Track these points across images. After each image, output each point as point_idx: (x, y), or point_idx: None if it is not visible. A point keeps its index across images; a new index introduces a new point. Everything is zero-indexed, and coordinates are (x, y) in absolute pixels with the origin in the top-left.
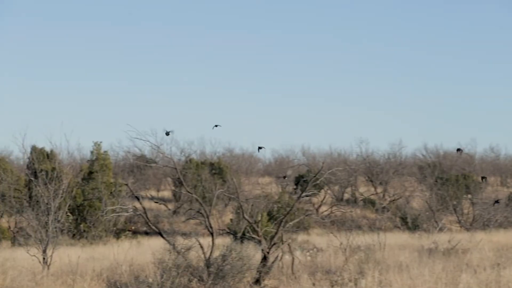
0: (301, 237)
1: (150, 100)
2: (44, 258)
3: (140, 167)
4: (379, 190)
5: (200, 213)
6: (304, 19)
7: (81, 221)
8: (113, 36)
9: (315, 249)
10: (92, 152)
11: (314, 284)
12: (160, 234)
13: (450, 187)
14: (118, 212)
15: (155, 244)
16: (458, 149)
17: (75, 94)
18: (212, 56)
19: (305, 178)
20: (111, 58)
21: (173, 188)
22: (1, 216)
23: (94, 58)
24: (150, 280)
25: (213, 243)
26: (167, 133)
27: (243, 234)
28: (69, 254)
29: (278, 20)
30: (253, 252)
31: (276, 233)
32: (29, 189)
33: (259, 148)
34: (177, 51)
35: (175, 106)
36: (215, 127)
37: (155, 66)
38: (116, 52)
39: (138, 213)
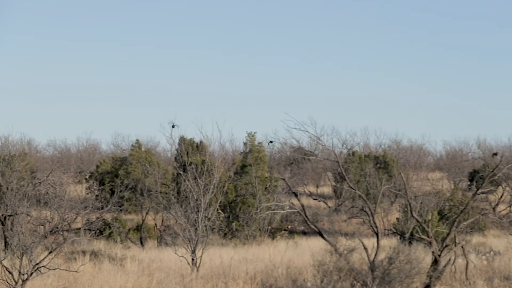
0: (476, 238)
1: (309, 88)
2: (193, 259)
3: (298, 160)
4: None
5: (364, 211)
6: None
7: (233, 219)
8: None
9: (492, 253)
10: (245, 144)
11: None
12: (319, 234)
13: None
14: (273, 210)
15: (314, 245)
16: (495, 153)
17: (226, 81)
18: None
19: (481, 174)
20: (272, 44)
21: (333, 183)
22: (147, 213)
23: (253, 45)
24: (309, 284)
25: (378, 244)
26: (173, 126)
27: (411, 234)
28: (220, 255)
29: None
30: (422, 255)
31: (448, 234)
32: (177, 183)
33: (270, 142)
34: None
35: (335, 94)
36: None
37: (318, 54)
38: (278, 37)
39: (295, 210)
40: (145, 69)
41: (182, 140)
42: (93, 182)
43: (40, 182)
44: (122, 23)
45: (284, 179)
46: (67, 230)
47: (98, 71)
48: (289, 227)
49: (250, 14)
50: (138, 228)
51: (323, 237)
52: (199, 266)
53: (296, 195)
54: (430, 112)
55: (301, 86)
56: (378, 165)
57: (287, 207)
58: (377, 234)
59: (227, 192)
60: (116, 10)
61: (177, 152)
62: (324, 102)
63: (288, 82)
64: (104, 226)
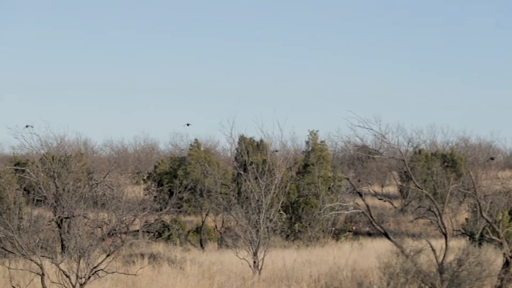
0: None
1: (373, 85)
2: (254, 262)
3: (362, 159)
4: None
5: (431, 211)
6: None
7: (296, 220)
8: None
9: None
10: (307, 143)
11: None
12: (385, 235)
13: None
14: (337, 210)
15: (380, 246)
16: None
17: (287, 78)
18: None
19: None
20: (334, 39)
21: (399, 183)
22: (207, 215)
23: (315, 40)
24: (375, 287)
25: (446, 245)
26: (188, 124)
27: (481, 235)
28: (283, 257)
29: None
30: (493, 256)
31: None
32: (237, 184)
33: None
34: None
35: (400, 90)
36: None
37: (382, 50)
38: (341, 33)
39: (360, 211)
40: (204, 67)
41: (242, 139)
42: (151, 183)
43: (97, 183)
44: (181, 18)
45: (348, 179)
46: (125, 233)
47: (155, 70)
48: (354, 228)
49: (313, 9)
50: (197, 230)
51: (389, 238)
52: (261, 268)
53: (360, 195)
54: (500, 109)
55: (365, 83)
56: (446, 163)
57: (352, 208)
58: (445, 235)
59: (289, 192)
60: (179, 5)
61: (237, 151)
62: (389, 99)
63: (352, 78)
64: (163, 228)
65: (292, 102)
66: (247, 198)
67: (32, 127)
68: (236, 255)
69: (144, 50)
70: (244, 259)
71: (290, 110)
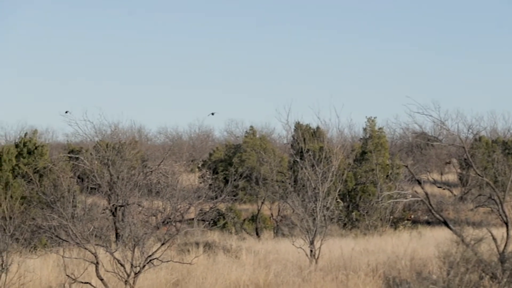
0: None
1: (432, 70)
2: (311, 251)
3: (421, 146)
4: None
5: (492, 199)
6: None
7: (353, 208)
8: None
9: None
10: (365, 130)
11: None
12: (445, 223)
13: None
14: (395, 198)
15: (439, 235)
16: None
17: (344, 64)
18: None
19: None
20: (392, 25)
21: (459, 170)
22: (263, 203)
23: (372, 26)
24: (434, 276)
25: (508, 234)
26: (212, 114)
27: None
28: (340, 246)
29: None
30: None
31: None
32: (293, 171)
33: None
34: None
35: (459, 76)
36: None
37: (440, 35)
38: (398, 20)
39: (419, 199)
40: (260, 52)
41: (298, 126)
42: (206, 171)
43: (151, 171)
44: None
45: (406, 166)
46: (180, 221)
47: (210, 58)
48: (412, 216)
49: None
50: (253, 219)
51: (448, 227)
52: (318, 257)
53: (419, 183)
54: None
55: (424, 69)
56: (507, 150)
57: (410, 196)
58: (506, 224)
59: (346, 180)
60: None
61: (293, 138)
62: (448, 85)
63: (411, 64)
64: (218, 217)
65: (349, 88)
66: (303, 186)
67: (70, 113)
68: (293, 244)
69: (200, 36)
70: (300, 248)
71: (347, 96)
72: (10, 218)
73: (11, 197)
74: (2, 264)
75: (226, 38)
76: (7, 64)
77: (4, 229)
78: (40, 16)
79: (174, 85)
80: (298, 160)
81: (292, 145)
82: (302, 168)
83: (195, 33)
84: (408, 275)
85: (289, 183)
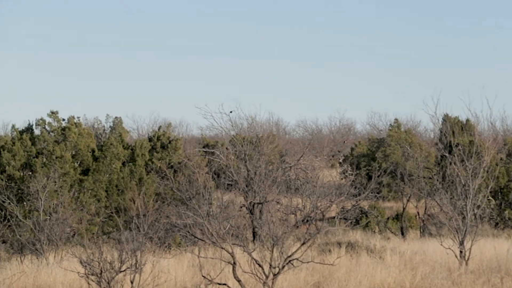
0: None
1: None
2: (461, 252)
3: None
4: None
5: None
6: None
7: (506, 206)
8: None
9: None
10: None
11: None
12: None
13: None
14: None
15: None
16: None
17: (497, 48)
18: None
19: None
20: None
21: None
22: (408, 201)
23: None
24: None
25: None
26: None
27: None
28: (494, 246)
29: None
30: None
31: None
32: (441, 167)
33: (230, 112)
34: None
35: None
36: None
37: None
38: None
39: None
40: (403, 42)
41: (447, 118)
42: (348, 166)
43: (290, 167)
44: None
45: None
46: (321, 220)
47: (352, 47)
48: None
49: None
50: (398, 217)
51: None
52: (468, 259)
53: None
54: None
55: None
56: None
57: None
58: None
59: (498, 176)
60: None
61: (441, 132)
62: None
63: None
64: (360, 215)
65: (503, 78)
66: (452, 182)
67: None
68: (441, 244)
69: (343, 27)
70: (449, 248)
71: (501, 86)
72: (144, 215)
73: (145, 193)
74: (136, 264)
75: (370, 29)
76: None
77: (138, 228)
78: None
79: (313, 77)
80: (446, 155)
81: (440, 139)
82: (450, 164)
83: (340, 23)
84: None
85: (437, 180)
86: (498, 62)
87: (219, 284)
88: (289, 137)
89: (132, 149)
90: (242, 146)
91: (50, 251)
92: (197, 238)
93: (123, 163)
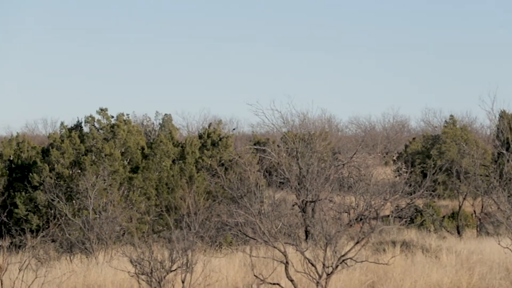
0: None
1: None
2: None
3: None
4: None
5: None
6: None
7: None
8: None
9: None
10: None
11: None
12: None
13: None
14: None
15: None
16: None
17: None
18: None
19: None
20: None
21: None
22: (464, 199)
23: None
24: None
25: None
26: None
27: None
28: None
29: None
30: None
31: None
32: (498, 165)
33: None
34: None
35: None
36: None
37: None
38: None
39: None
40: (459, 38)
41: (504, 114)
42: (402, 164)
43: (343, 164)
44: None
45: None
46: (375, 218)
47: (406, 44)
48: None
49: None
50: (453, 216)
51: None
52: None
53: None
54: None
55: None
56: None
57: None
58: None
59: None
60: None
61: (498, 129)
62: None
63: None
64: (415, 213)
65: None
66: (510, 180)
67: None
68: (498, 244)
69: (401, 26)
70: (507, 248)
71: None
72: (195, 214)
73: (195, 192)
74: (187, 263)
75: (424, 26)
76: (190, 54)
77: (189, 226)
78: None
79: (366, 74)
80: (503, 152)
81: (497, 136)
82: (508, 161)
83: (396, 20)
84: None
85: (494, 177)
86: None
87: (272, 283)
88: (341, 134)
89: (182, 147)
90: (293, 143)
91: (100, 250)
92: (249, 237)
93: (173, 161)
